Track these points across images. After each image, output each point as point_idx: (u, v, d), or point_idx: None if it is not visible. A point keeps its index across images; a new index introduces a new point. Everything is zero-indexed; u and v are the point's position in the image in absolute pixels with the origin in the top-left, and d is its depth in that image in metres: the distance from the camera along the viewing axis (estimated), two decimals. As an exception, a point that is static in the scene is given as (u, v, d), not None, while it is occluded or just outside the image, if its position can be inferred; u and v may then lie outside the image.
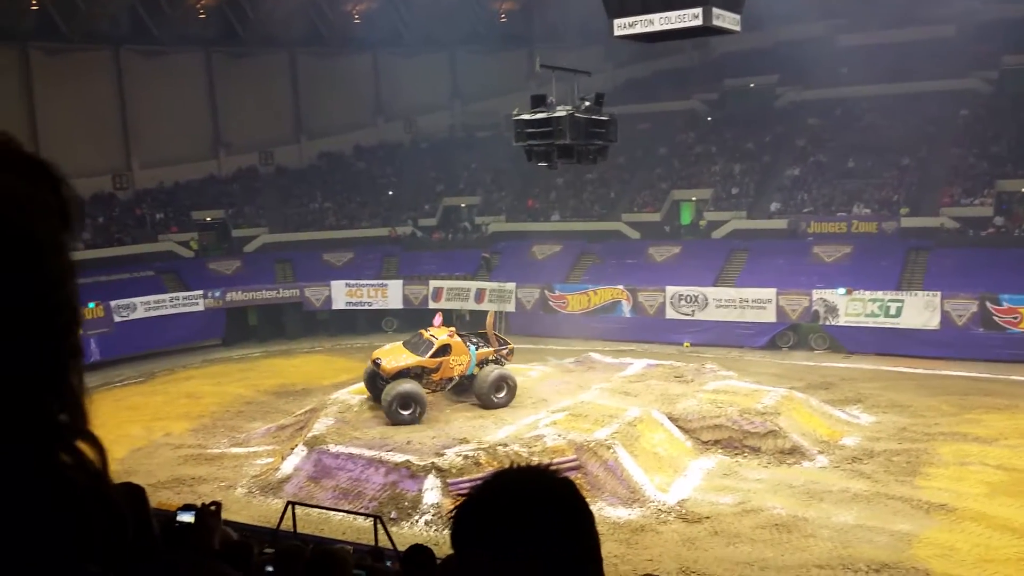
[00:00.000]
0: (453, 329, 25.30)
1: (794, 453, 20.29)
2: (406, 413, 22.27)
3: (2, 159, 0.72)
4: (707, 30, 20.81)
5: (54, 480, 0.71)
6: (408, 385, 22.55)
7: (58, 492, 0.71)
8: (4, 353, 0.68)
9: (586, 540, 1.27)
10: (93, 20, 41.09)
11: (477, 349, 24.34)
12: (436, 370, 23.62)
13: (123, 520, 0.77)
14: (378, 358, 23.89)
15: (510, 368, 24.55)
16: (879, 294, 31.83)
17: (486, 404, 23.15)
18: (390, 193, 46.49)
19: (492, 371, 23.53)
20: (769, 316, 33.47)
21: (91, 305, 34.51)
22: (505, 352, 24.85)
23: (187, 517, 5.25)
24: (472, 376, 23.83)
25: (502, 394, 23.40)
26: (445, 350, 23.84)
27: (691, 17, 19.61)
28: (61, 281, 0.73)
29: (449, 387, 24.14)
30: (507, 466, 1.37)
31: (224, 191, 45.05)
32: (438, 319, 25.83)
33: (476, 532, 1.24)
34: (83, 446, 0.75)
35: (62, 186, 0.76)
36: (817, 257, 34.98)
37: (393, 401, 22.22)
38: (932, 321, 30.81)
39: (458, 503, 1.30)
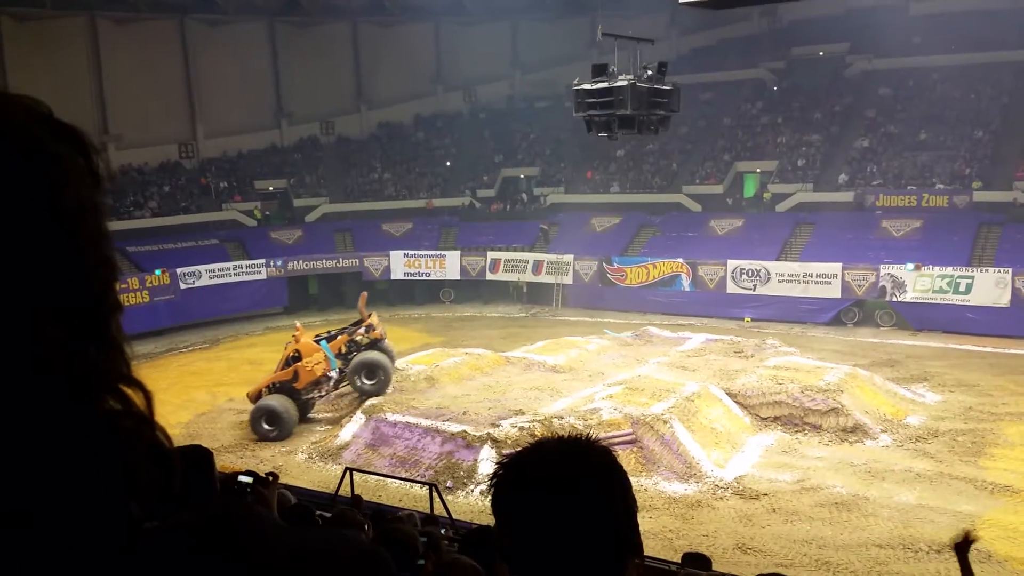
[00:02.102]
0: (298, 333, 23.86)
1: (856, 431, 19.89)
2: (268, 428, 21.94)
3: (42, 124, 0.76)
4: (775, -4, 20.31)
5: (97, 418, 0.76)
6: (274, 401, 22.18)
7: (101, 430, 0.76)
8: (53, 309, 0.72)
9: (621, 508, 1.28)
10: (159, -10, 41.70)
11: (329, 342, 23.41)
12: (296, 379, 22.85)
13: (169, 461, 0.81)
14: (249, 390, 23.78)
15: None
16: (948, 270, 30.98)
17: (359, 392, 22.31)
18: (447, 164, 46.54)
19: (357, 357, 22.63)
20: (834, 291, 32.81)
21: (157, 272, 35.31)
22: (361, 332, 23.46)
23: (248, 479, 5.31)
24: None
25: (372, 381, 22.18)
26: (294, 358, 23.13)
27: (758, -17, 19.12)
28: (100, 238, 0.78)
29: (333, 386, 23.27)
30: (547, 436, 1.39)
31: (286, 160, 45.56)
32: (297, 326, 24.91)
33: (513, 499, 1.28)
34: (129, 392, 0.79)
35: (91, 150, 0.80)
36: (885, 231, 34.16)
37: (258, 417, 22.06)
38: (1003, 298, 29.93)
39: (496, 470, 1.33)
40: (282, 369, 23.14)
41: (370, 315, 24.15)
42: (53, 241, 0.72)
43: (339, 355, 23.28)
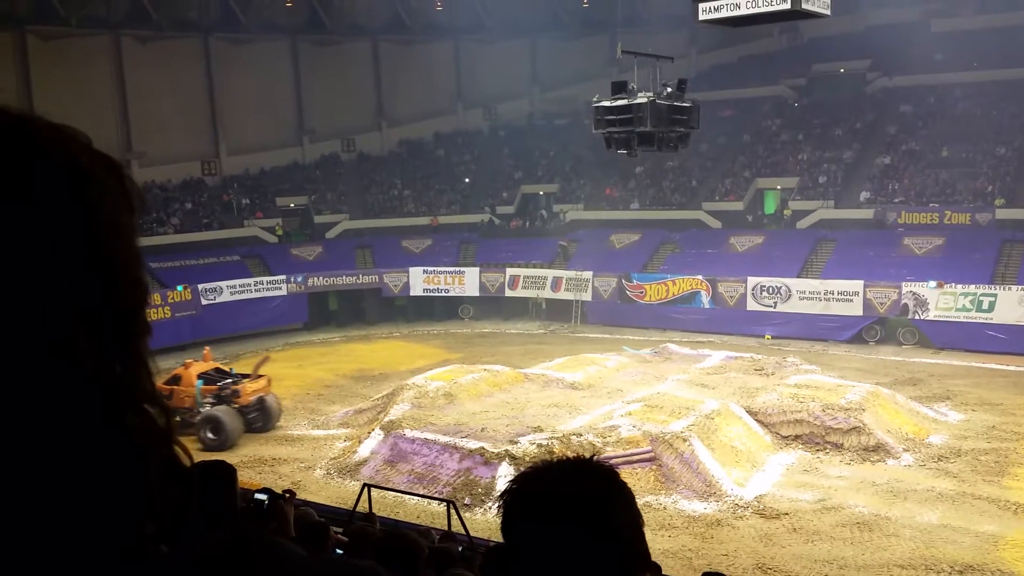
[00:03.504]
0: (189, 361, 24.94)
1: (878, 450, 19.70)
2: None
3: (84, 151, 0.79)
4: (796, 14, 20.32)
5: (117, 434, 0.77)
6: None
7: (121, 446, 0.77)
8: (85, 323, 0.75)
9: (623, 527, 1.28)
10: (183, 8, 42.19)
11: (205, 383, 23.81)
12: (169, 397, 23.09)
13: (187, 480, 0.82)
14: None
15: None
16: (971, 288, 30.71)
17: (202, 443, 22.26)
18: (467, 181, 46.70)
19: (207, 412, 22.92)
20: (856, 309, 32.58)
21: (179, 288, 35.56)
22: (229, 391, 23.55)
23: (263, 496, 5.33)
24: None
25: (215, 436, 22.40)
26: (176, 379, 23.87)
27: (780, 0, 19.12)
28: (133, 259, 0.81)
29: (195, 418, 23.07)
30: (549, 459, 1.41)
31: (307, 177, 45.86)
32: (205, 352, 25.85)
33: (518, 522, 1.29)
34: (150, 410, 0.81)
35: (126, 179, 0.83)
36: (907, 249, 33.92)
37: None
38: (1027, 317, 29.64)
39: (502, 493, 1.34)
40: (165, 383, 23.66)
41: (259, 378, 24.30)
42: (90, 259, 0.75)
43: (207, 397, 23.60)
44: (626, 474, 17.93)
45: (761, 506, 17.33)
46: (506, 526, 1.31)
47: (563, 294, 38.46)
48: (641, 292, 36.83)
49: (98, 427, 0.74)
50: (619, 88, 21.88)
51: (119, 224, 0.78)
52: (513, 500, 1.31)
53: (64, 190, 0.74)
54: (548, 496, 1.29)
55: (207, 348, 27.18)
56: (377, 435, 21.08)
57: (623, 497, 1.31)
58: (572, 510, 1.27)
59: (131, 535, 0.76)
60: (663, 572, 10.85)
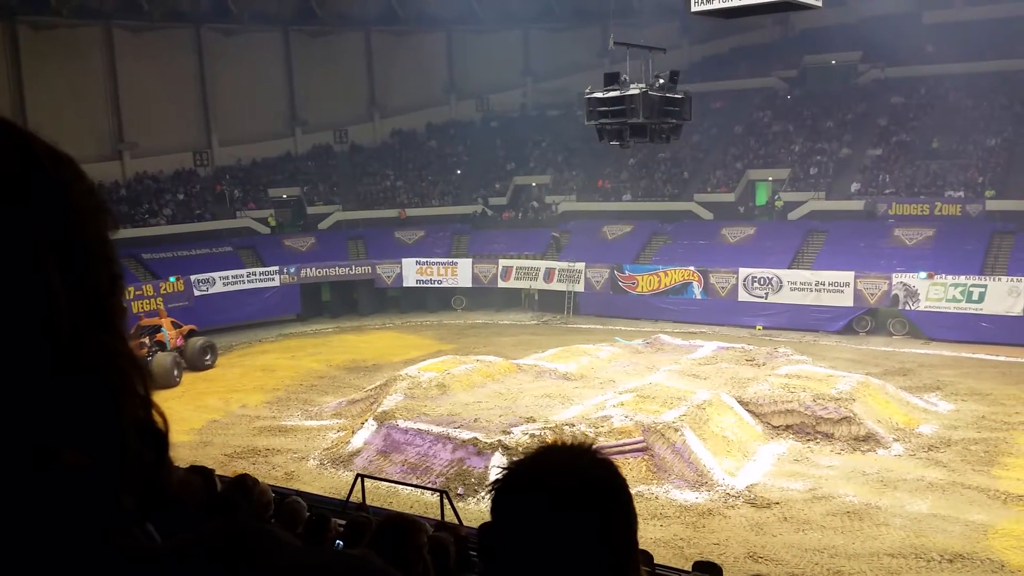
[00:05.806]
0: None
1: (868, 440, 19.83)
2: None
3: (72, 166, 0.84)
4: (788, 5, 20.43)
5: (92, 394, 0.77)
6: None
7: (95, 406, 0.78)
8: (68, 303, 0.77)
9: (618, 524, 1.26)
10: (175, -1, 42.05)
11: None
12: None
13: (162, 441, 0.84)
14: None
15: None
16: (961, 279, 30.87)
17: None
18: (459, 172, 46.67)
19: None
20: (846, 300, 32.73)
21: (172, 279, 35.52)
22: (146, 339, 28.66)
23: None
24: None
25: None
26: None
27: (771, -8, 19.21)
28: (111, 251, 0.85)
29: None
30: (547, 445, 1.37)
31: (300, 168, 45.77)
32: (160, 309, 30.78)
33: (511, 506, 1.27)
34: (128, 371, 0.83)
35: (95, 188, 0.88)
36: (898, 240, 34.05)
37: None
38: (1016, 307, 29.80)
39: (497, 478, 1.31)
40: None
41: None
42: (75, 249, 0.79)
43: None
44: (618, 464, 18.00)
45: (752, 495, 17.44)
46: (499, 506, 1.28)
47: (556, 285, 38.54)
48: (633, 283, 36.92)
49: (69, 386, 0.76)
50: (611, 79, 21.86)
51: (98, 224, 0.83)
52: (510, 481, 1.29)
53: (55, 195, 0.79)
54: (546, 481, 1.26)
55: (162, 307, 31.87)
56: (370, 425, 21.13)
57: (622, 491, 1.29)
58: (570, 496, 1.23)
59: (110, 505, 0.77)
60: (654, 561, 10.94)
